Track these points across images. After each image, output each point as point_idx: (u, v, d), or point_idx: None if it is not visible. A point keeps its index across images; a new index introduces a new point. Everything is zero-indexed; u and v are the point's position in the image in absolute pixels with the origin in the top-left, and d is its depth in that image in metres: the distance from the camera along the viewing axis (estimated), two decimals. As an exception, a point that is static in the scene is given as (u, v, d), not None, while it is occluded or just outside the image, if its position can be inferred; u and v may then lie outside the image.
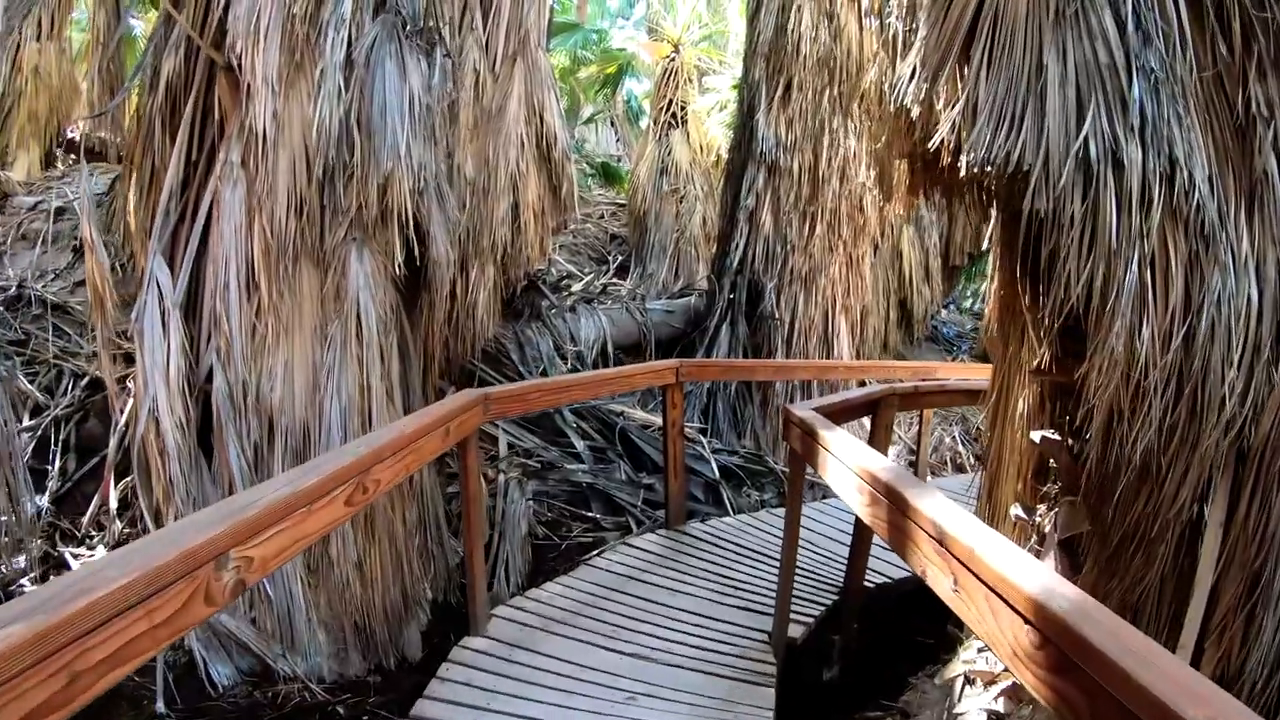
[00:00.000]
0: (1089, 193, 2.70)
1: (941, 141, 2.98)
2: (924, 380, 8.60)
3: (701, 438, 9.14)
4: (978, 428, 13.46)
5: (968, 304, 24.53)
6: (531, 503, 7.60)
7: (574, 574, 5.67)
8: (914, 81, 3.02)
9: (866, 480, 3.09)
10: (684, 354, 10.77)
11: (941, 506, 2.51)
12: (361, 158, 5.01)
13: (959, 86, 2.91)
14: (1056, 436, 4.16)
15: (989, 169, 2.75)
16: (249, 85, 5.15)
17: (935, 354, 17.26)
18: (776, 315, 10.12)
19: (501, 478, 7.63)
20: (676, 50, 15.35)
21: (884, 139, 3.61)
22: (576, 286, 12.14)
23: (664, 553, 6.07)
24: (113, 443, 6.32)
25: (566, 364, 9.76)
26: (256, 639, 5.11)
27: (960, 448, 12.66)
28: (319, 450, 5.20)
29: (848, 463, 3.30)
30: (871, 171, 4.69)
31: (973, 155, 2.74)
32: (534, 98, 7.84)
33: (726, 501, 8.23)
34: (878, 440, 5.36)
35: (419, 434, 3.47)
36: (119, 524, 6.34)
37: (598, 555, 6.07)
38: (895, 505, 2.79)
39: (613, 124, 24.37)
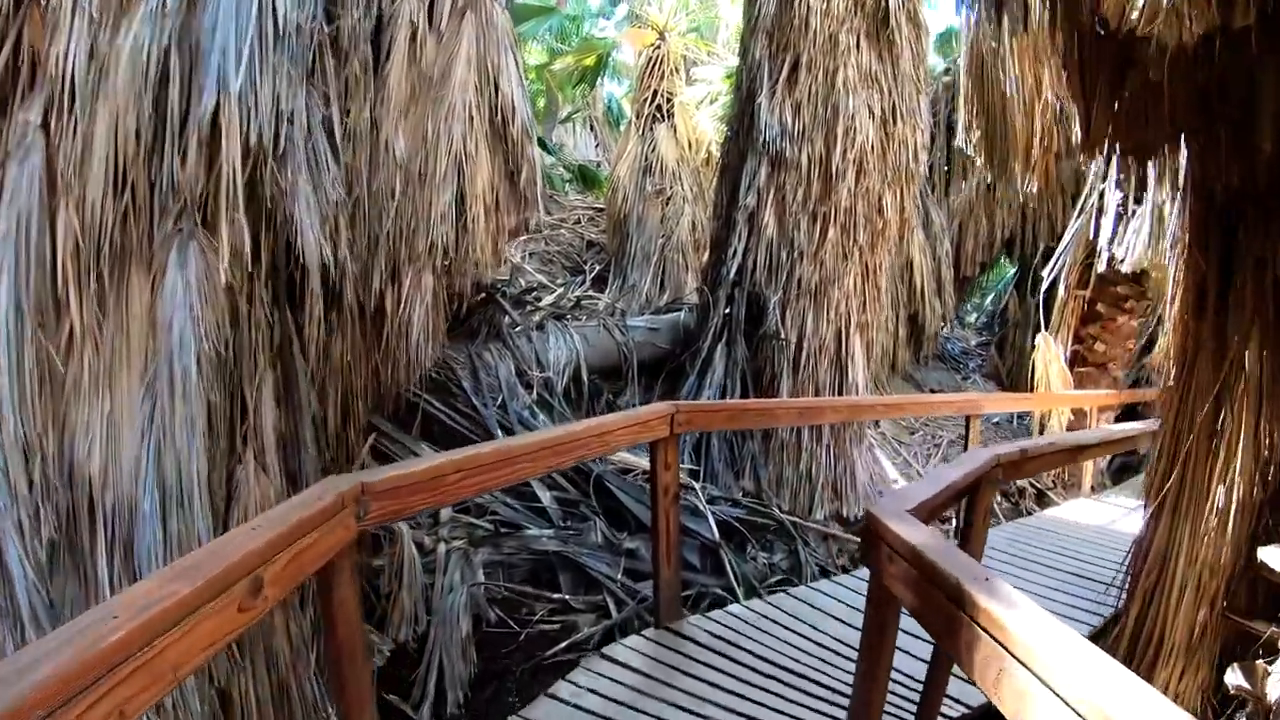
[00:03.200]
0: None
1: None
2: (971, 416, 7.01)
3: (694, 483, 7.51)
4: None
5: (971, 319, 23.02)
6: (482, 578, 5.95)
7: (527, 712, 3.95)
8: None
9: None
10: (671, 379, 9.12)
11: None
12: (189, 101, 3.33)
13: None
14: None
15: None
16: (56, 14, 3.50)
17: (944, 373, 15.75)
18: (782, 334, 8.49)
19: (441, 548, 5.97)
20: (662, 37, 13.77)
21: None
22: (546, 300, 10.47)
23: (655, 672, 4.35)
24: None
25: (531, 392, 8.11)
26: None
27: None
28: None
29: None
30: (975, 130, 3.05)
31: None
32: (488, 61, 6.18)
33: (729, 568, 6.61)
34: (974, 536, 3.66)
35: (128, 645, 1.54)
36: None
37: (563, 680, 4.29)
38: None
39: (592, 128, 22.69)
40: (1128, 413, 12.99)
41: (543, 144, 20.72)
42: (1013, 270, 18.80)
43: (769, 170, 8.66)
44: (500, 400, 7.63)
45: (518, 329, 8.64)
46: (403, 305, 5.98)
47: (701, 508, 7.01)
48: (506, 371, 8.03)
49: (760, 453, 8.46)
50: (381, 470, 2.84)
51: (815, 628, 4.99)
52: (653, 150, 12.91)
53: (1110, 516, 9.06)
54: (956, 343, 18.22)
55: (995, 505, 10.63)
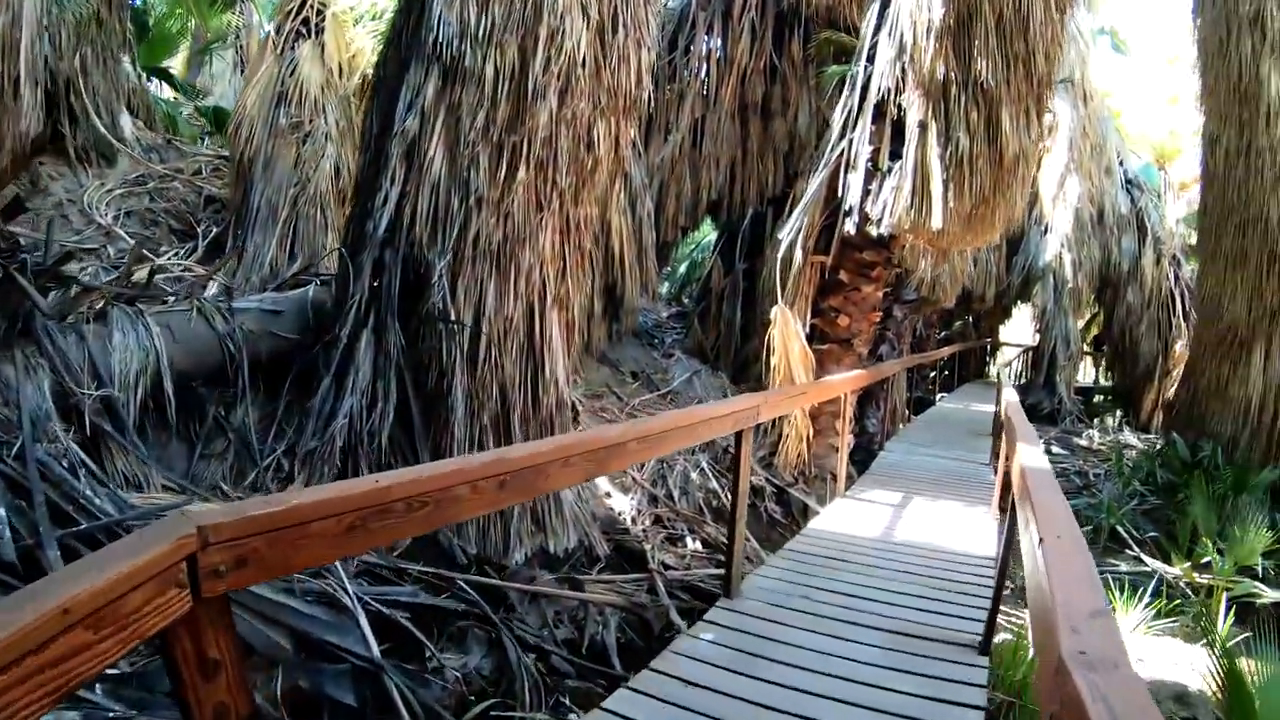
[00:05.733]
0: None
1: None
2: (746, 430, 4.87)
3: (334, 551, 4.88)
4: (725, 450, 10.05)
5: (662, 289, 21.41)
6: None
7: None
8: None
9: None
10: (301, 384, 6.36)
11: None
12: None
13: None
14: None
15: None
16: None
17: (640, 350, 13.83)
18: (452, 314, 5.98)
19: None
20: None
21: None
22: (112, 277, 7.30)
23: None
24: None
25: (83, 424, 5.19)
26: None
27: (713, 483, 9.15)
28: None
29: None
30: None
31: None
32: None
33: (399, 699, 4.10)
34: None
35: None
36: None
37: None
38: None
39: (244, 73, 18.83)
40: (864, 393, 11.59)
41: (168, 77, 16.99)
42: (714, 235, 17.38)
43: (439, 84, 6.10)
44: (20, 443, 4.65)
45: (66, 322, 5.64)
46: None
47: (347, 600, 4.44)
48: (35, 393, 5.07)
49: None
50: None
51: None
52: (292, 73, 9.86)
53: (883, 521, 7.73)
54: (649, 315, 16.41)
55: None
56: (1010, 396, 7.37)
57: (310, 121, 9.58)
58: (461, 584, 5.19)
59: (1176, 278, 23.92)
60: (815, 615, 4.98)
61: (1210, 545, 9.59)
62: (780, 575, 5.74)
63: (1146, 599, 8.60)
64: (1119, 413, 24.78)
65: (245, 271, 8.41)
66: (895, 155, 8.83)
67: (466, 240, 6.00)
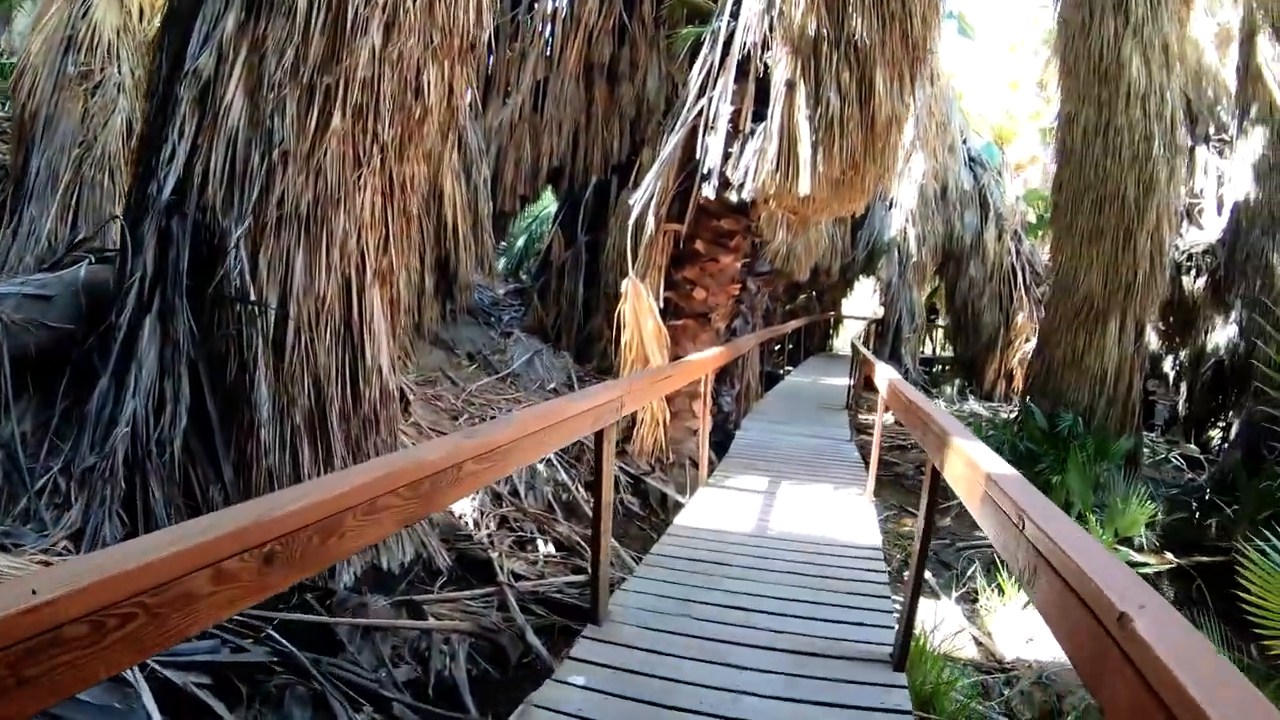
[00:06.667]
0: None
1: None
2: (607, 429, 4.10)
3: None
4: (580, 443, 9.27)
5: (500, 263, 20.51)
6: None
7: None
8: None
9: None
10: (80, 382, 5.16)
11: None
12: None
13: None
14: None
15: None
16: None
17: (476, 330, 13.04)
18: (253, 294, 4.97)
19: None
20: None
21: None
22: None
23: None
24: None
25: None
26: None
27: (562, 475, 8.38)
28: None
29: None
30: None
31: None
32: None
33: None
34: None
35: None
36: None
37: None
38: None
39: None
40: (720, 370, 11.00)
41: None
42: (555, 206, 16.61)
43: (242, 15, 5.05)
44: None
45: None
46: None
47: (129, 674, 3.44)
48: None
49: (237, 483, 4.95)
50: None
51: None
52: (84, 16, 8.50)
53: (755, 512, 7.12)
54: (486, 292, 15.56)
55: (585, 504, 8.04)
56: (891, 373, 6.81)
57: (102, 71, 8.28)
58: (270, 632, 4.24)
59: (1017, 252, 24.50)
60: (702, 639, 4.25)
61: (1092, 516, 9.40)
62: (653, 589, 4.99)
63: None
64: (957, 382, 25.15)
65: (20, 249, 7.13)
66: (759, 116, 8.21)
67: (269, 203, 4.97)
